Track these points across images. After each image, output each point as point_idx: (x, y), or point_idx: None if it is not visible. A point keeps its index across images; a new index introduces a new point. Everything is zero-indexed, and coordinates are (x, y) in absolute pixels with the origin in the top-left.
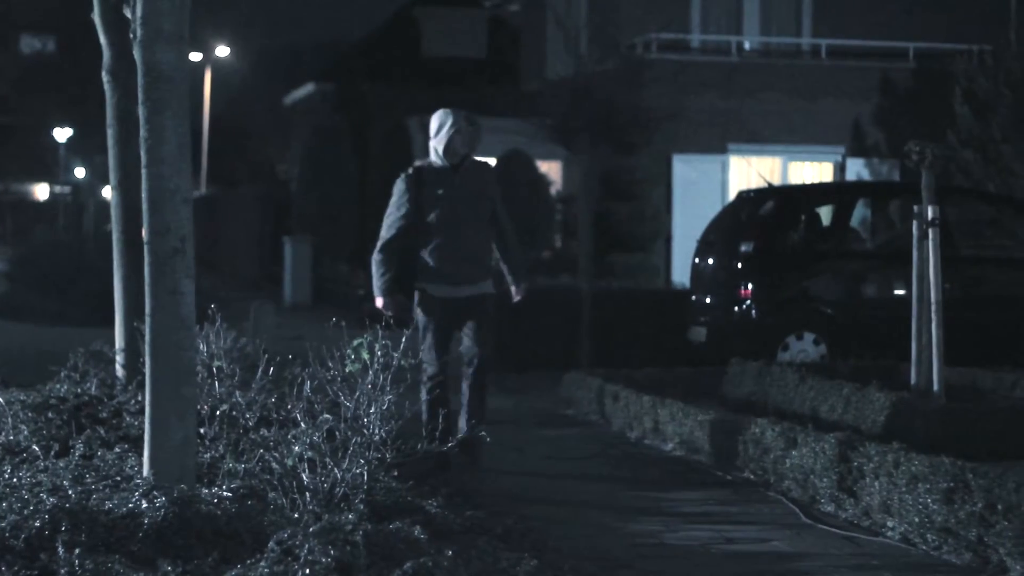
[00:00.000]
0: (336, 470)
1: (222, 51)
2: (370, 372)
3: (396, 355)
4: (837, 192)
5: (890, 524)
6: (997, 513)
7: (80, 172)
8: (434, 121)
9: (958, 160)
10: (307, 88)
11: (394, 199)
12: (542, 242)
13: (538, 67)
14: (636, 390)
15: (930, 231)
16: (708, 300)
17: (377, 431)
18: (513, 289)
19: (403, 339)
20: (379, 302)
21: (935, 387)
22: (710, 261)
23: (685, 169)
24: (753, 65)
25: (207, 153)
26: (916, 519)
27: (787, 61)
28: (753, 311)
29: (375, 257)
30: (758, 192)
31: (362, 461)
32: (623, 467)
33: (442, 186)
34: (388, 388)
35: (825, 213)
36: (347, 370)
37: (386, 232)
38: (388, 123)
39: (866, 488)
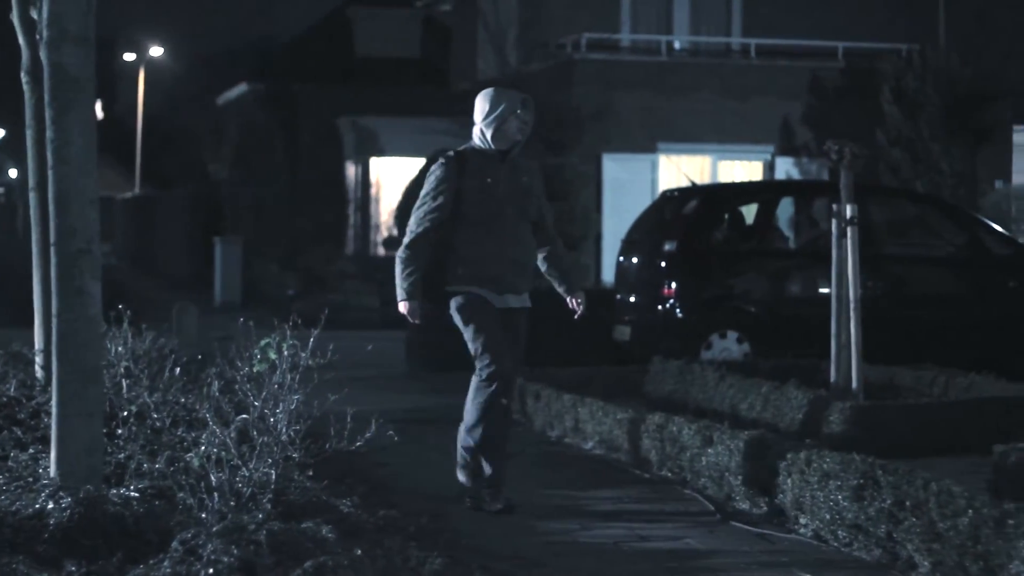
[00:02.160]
0: (244, 469)
1: (156, 51)
2: (277, 372)
3: (304, 355)
4: (760, 191)
5: (803, 521)
6: (905, 510)
7: (13, 173)
8: (483, 102)
9: (887, 159)
10: (240, 88)
11: (429, 187)
12: None
13: (469, 67)
14: (557, 389)
15: (849, 230)
16: (632, 299)
17: (284, 431)
18: (570, 300)
19: (311, 339)
20: (402, 307)
21: (854, 385)
22: (634, 260)
23: (615, 168)
24: (683, 64)
25: (141, 154)
26: (827, 516)
27: (717, 60)
28: (677, 310)
29: (400, 254)
30: (682, 191)
31: (270, 461)
32: (542, 466)
33: (490, 175)
34: (296, 388)
35: (749, 212)
36: (255, 369)
37: (417, 226)
38: (319, 123)
39: (779, 486)
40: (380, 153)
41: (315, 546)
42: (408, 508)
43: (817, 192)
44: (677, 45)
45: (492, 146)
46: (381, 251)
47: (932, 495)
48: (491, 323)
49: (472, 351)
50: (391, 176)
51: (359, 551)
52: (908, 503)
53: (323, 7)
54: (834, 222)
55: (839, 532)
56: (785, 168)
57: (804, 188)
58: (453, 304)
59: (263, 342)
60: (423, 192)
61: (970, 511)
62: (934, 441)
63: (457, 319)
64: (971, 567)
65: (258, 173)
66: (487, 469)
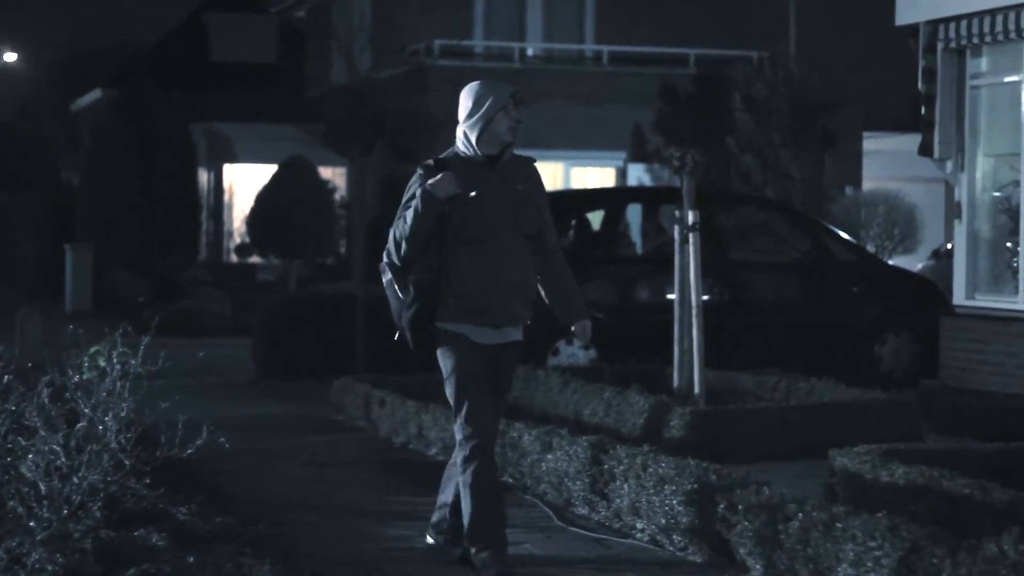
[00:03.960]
0: (74, 477)
1: (9, 57)
2: (107, 379)
3: (135, 362)
4: (607, 197)
5: (639, 526)
6: (738, 513)
7: None
8: (466, 98)
9: (737, 165)
10: (94, 94)
11: (404, 203)
12: (326, 248)
13: (323, 73)
14: (403, 396)
15: (691, 236)
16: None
17: (113, 438)
18: (575, 329)
19: (141, 346)
20: (411, 340)
21: (696, 390)
22: None
23: None
24: (536, 71)
25: None
26: (663, 520)
27: (570, 67)
28: None
29: (385, 280)
30: None
31: (99, 468)
32: (385, 472)
33: (476, 185)
34: (126, 395)
35: (595, 218)
36: (84, 377)
37: (394, 246)
38: (173, 129)
39: (616, 490)
40: (233, 160)
41: (145, 554)
42: (247, 515)
43: (664, 198)
44: (530, 52)
45: (478, 151)
46: (234, 258)
47: (764, 499)
48: (478, 382)
49: (453, 410)
50: (244, 183)
51: (191, 559)
52: (741, 507)
53: (178, 13)
54: (676, 228)
55: (674, 536)
56: (637, 175)
57: (651, 194)
58: (440, 348)
59: (92, 349)
60: (400, 209)
61: (800, 515)
62: (774, 445)
63: (442, 365)
64: (801, 570)
65: (111, 179)
66: (486, 540)
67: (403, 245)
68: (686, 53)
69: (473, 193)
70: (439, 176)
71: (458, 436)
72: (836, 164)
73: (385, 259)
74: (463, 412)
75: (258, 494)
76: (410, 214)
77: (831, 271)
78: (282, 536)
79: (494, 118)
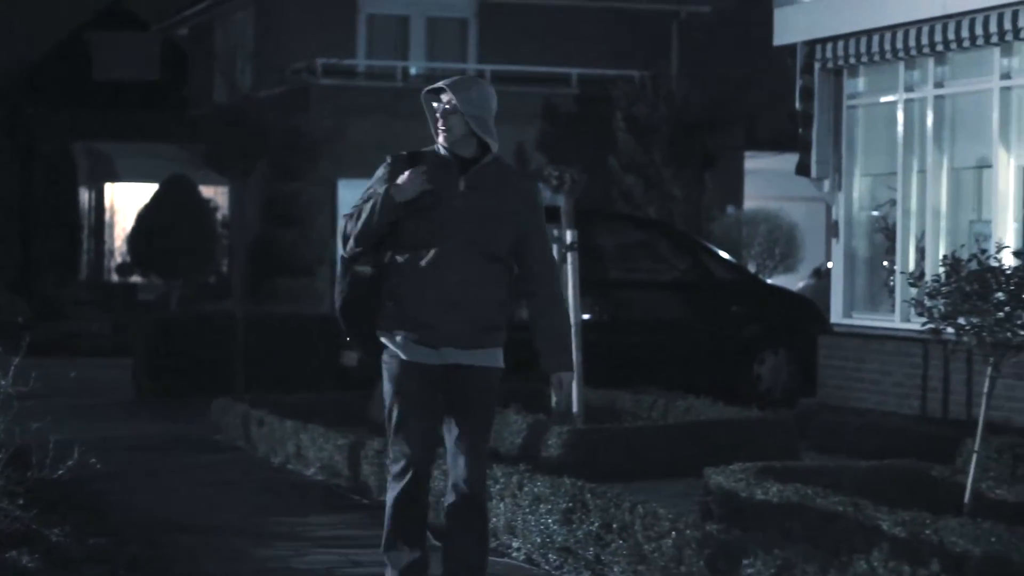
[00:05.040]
0: None
1: None
2: None
3: (3, 383)
4: None
5: (515, 545)
6: (612, 532)
7: None
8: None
9: (619, 184)
10: None
11: (366, 191)
12: (208, 268)
13: (206, 91)
14: (281, 416)
15: (569, 255)
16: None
17: None
18: (551, 380)
19: (11, 367)
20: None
21: (575, 409)
22: None
23: (350, 194)
24: (418, 91)
25: None
26: (538, 539)
27: None
28: None
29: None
30: None
31: None
32: (264, 493)
33: (437, 186)
34: None
35: None
36: None
37: (342, 239)
38: (54, 147)
39: (493, 509)
40: (115, 178)
41: None
42: (123, 536)
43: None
44: (413, 71)
45: (449, 150)
46: (115, 277)
47: (638, 517)
48: (410, 401)
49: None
50: (126, 202)
51: None
52: (615, 525)
53: (60, 31)
54: (555, 247)
55: (550, 555)
56: None
57: None
58: (383, 357)
59: None
60: (360, 197)
61: (673, 533)
62: (651, 464)
63: (383, 375)
64: None
65: None
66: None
67: (351, 241)
68: (568, 72)
69: (429, 190)
70: (405, 176)
71: (389, 457)
72: (717, 183)
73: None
74: (390, 431)
75: (135, 515)
76: (366, 210)
77: (710, 290)
78: (158, 557)
79: (431, 112)
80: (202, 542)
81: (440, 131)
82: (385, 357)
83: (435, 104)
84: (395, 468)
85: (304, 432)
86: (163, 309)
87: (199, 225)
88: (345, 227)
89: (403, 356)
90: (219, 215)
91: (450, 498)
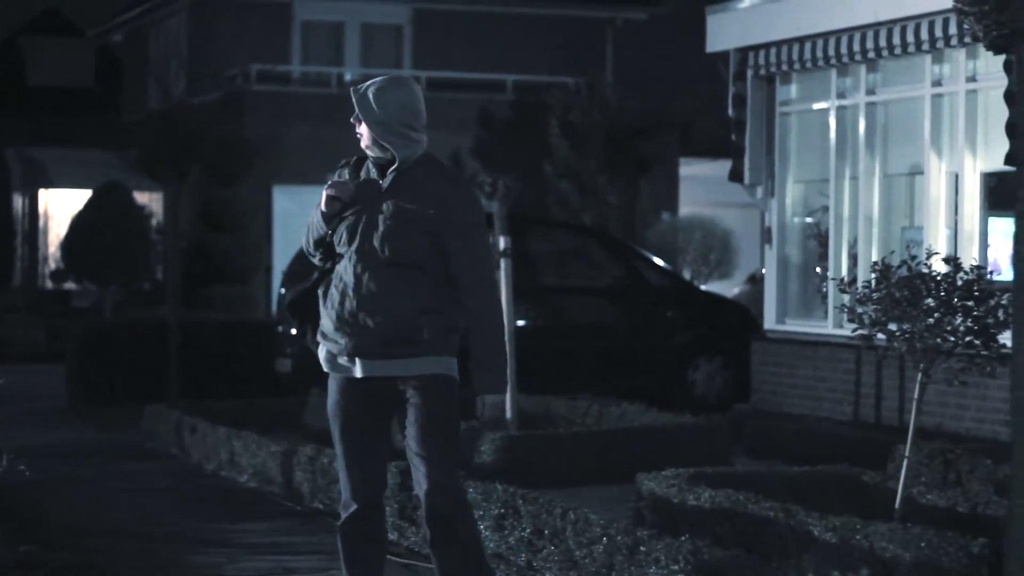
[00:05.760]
0: None
1: None
2: None
3: None
4: None
5: None
6: (544, 538)
7: None
8: None
9: (555, 191)
10: None
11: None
12: (142, 274)
13: (140, 97)
14: (214, 422)
15: (502, 261)
16: (293, 331)
17: None
18: (479, 403)
19: None
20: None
21: (508, 415)
22: None
23: (285, 200)
24: None
25: None
26: None
27: None
28: None
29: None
30: None
31: None
32: (197, 500)
33: (361, 191)
34: None
35: None
36: None
37: (302, 238)
38: None
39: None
40: (49, 184)
41: None
42: (55, 543)
43: None
44: (348, 77)
45: (373, 154)
46: (49, 284)
47: (569, 523)
48: (342, 420)
49: None
50: (60, 208)
51: None
52: (547, 532)
53: None
54: None
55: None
56: None
57: None
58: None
59: None
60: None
61: (605, 538)
62: (585, 470)
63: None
64: None
65: None
66: None
67: (306, 246)
68: (504, 79)
69: (355, 197)
70: (334, 183)
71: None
72: (653, 189)
73: None
74: (339, 458)
75: (67, 522)
76: (313, 217)
77: (645, 296)
78: (90, 564)
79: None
80: (134, 549)
81: (370, 142)
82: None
83: (375, 94)
84: (341, 502)
85: (237, 439)
86: (97, 316)
87: (133, 231)
88: (304, 235)
89: (326, 370)
90: (154, 221)
91: (424, 518)
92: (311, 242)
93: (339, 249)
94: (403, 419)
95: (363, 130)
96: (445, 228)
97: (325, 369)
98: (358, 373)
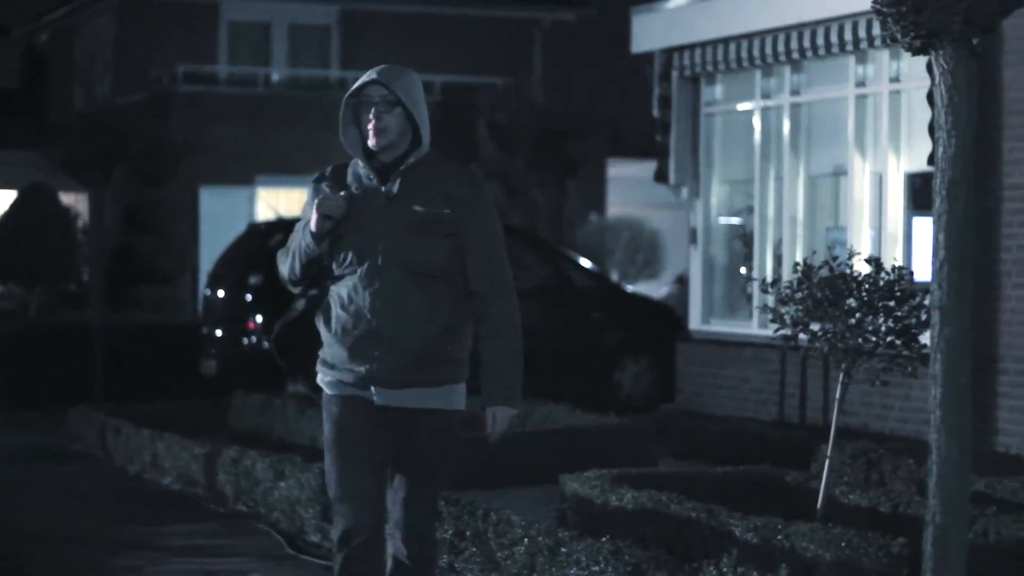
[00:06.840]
0: None
1: None
2: None
3: None
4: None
5: None
6: (466, 539)
7: None
8: None
9: None
10: None
11: (301, 217)
12: (68, 276)
13: (67, 98)
14: (139, 425)
15: None
16: (218, 333)
17: None
18: (488, 416)
19: None
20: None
21: None
22: (220, 294)
23: (212, 202)
24: (281, 97)
25: None
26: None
27: (316, 93)
28: (263, 343)
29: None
30: (268, 224)
31: None
32: (119, 502)
33: (359, 200)
34: None
35: None
36: None
37: (286, 269)
38: None
39: None
40: None
41: None
42: None
43: None
44: (275, 77)
45: (369, 157)
46: None
47: (491, 525)
48: (343, 447)
49: None
50: None
51: None
52: (469, 533)
53: None
54: None
55: None
56: None
57: None
58: (322, 399)
59: None
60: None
61: (526, 539)
62: (510, 472)
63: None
64: None
65: None
66: None
67: (287, 277)
68: (431, 80)
69: (358, 216)
70: (324, 201)
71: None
72: (580, 190)
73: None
74: (332, 492)
75: None
76: (297, 239)
77: (571, 297)
78: (9, 568)
79: (344, 114)
80: (55, 552)
81: (374, 133)
82: (324, 399)
83: (363, 103)
84: (336, 532)
85: (160, 441)
86: (22, 318)
87: (59, 233)
88: (280, 265)
89: (332, 392)
90: (79, 223)
91: (392, 562)
92: (297, 268)
93: (342, 269)
94: (394, 451)
95: (392, 121)
96: (462, 230)
97: (330, 392)
98: (384, 401)
